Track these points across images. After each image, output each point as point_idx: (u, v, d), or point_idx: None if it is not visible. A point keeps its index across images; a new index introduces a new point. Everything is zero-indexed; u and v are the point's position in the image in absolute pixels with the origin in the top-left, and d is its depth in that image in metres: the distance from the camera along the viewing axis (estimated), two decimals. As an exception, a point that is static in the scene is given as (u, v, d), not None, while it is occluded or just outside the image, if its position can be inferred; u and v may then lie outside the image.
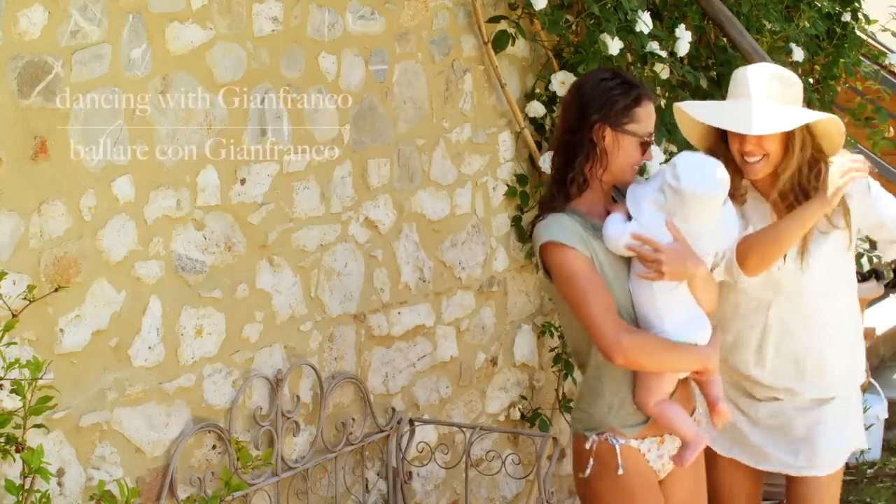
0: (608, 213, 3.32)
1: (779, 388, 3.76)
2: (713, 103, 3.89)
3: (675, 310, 3.23)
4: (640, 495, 3.27)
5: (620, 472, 3.24)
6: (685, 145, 4.13)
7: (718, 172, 3.24)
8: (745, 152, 3.58)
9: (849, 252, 3.75)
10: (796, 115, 3.57)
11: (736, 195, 3.57)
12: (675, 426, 3.26)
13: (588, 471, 3.28)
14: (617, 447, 3.25)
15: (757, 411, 3.80)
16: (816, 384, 3.76)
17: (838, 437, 3.76)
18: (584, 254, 3.20)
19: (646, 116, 3.29)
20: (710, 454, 3.75)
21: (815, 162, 3.60)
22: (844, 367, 3.80)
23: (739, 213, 3.56)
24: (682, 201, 3.21)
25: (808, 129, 3.59)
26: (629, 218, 3.25)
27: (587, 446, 3.29)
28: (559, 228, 3.22)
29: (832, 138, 3.60)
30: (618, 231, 3.22)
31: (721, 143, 3.66)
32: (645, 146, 3.29)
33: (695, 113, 3.68)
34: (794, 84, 3.64)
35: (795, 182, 3.61)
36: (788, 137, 3.57)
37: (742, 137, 3.57)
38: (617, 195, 3.39)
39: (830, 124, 3.58)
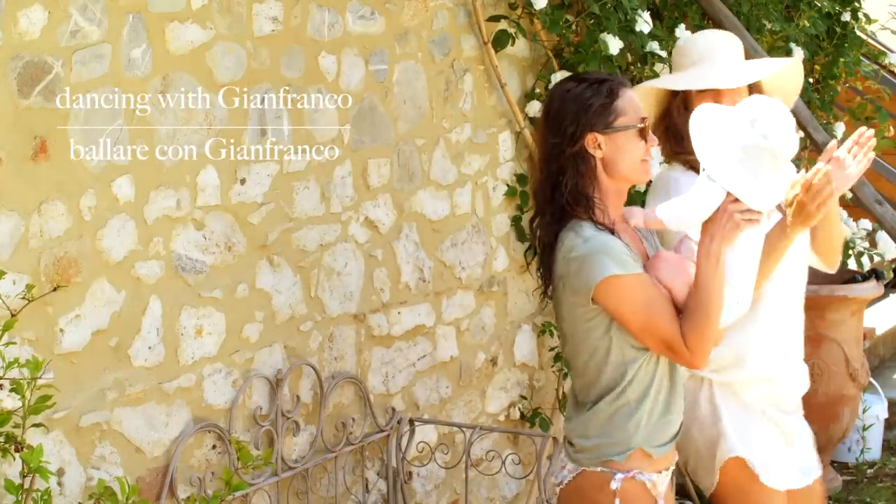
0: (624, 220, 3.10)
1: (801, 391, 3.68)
2: (675, 76, 3.81)
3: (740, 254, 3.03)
4: None
5: (661, 503, 3.03)
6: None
7: (793, 122, 3.01)
8: None
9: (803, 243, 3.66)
10: (769, 64, 3.66)
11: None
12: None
13: None
14: (647, 482, 3.02)
15: (790, 426, 3.65)
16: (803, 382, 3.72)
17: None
18: (638, 271, 2.97)
19: (629, 105, 3.01)
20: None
21: None
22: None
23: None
24: (774, 160, 2.95)
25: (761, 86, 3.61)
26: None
27: (612, 486, 3.00)
28: (608, 259, 2.93)
29: (786, 90, 3.68)
30: (702, 198, 2.96)
31: (680, 113, 3.57)
32: (643, 133, 3.02)
33: (672, 85, 3.61)
34: (739, 42, 3.74)
35: None
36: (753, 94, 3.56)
37: (716, 98, 3.50)
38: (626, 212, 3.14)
39: (790, 72, 3.68)
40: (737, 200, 2.96)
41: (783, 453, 3.59)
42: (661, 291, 2.99)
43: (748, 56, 5.06)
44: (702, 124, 3.02)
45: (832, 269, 3.73)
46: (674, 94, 3.64)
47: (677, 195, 3.14)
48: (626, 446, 3.02)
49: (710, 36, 3.78)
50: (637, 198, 4.57)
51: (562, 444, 3.19)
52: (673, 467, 3.15)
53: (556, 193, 3.03)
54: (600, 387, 3.05)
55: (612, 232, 3.01)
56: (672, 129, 3.61)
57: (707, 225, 2.99)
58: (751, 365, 3.56)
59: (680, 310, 2.99)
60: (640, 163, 3.05)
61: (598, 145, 3.02)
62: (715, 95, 3.53)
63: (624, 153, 3.03)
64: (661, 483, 3.08)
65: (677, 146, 3.59)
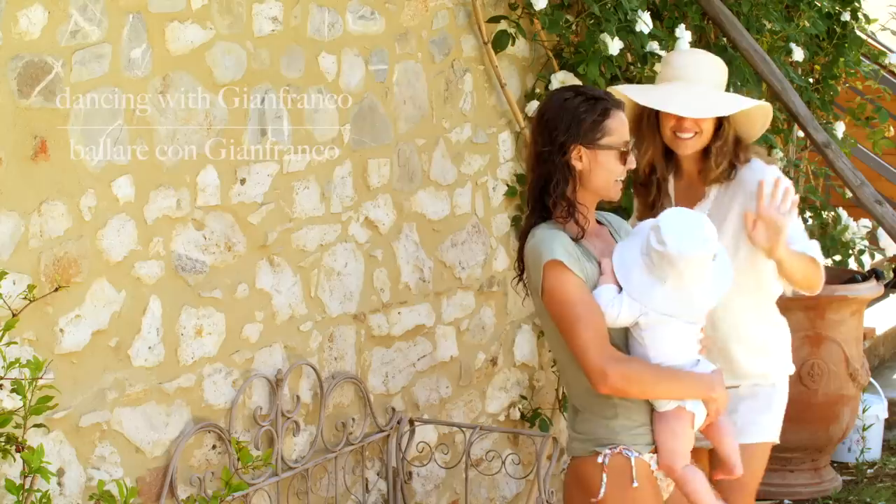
0: (598, 221, 3.30)
1: None
2: (650, 87, 3.98)
3: (664, 343, 3.16)
4: None
5: (635, 484, 3.13)
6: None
7: (705, 229, 3.15)
8: (682, 128, 3.72)
9: (759, 259, 3.73)
10: (735, 101, 3.80)
11: (662, 175, 3.80)
12: (698, 496, 3.17)
13: (603, 490, 3.12)
14: (632, 459, 3.14)
15: None
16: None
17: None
18: (580, 277, 3.13)
19: (617, 127, 3.20)
20: None
21: (737, 142, 3.79)
22: (752, 363, 3.82)
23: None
24: (671, 265, 3.11)
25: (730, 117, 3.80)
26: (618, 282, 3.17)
27: (599, 460, 3.15)
28: (560, 247, 3.14)
29: (754, 123, 3.82)
30: (613, 312, 3.12)
31: (649, 121, 3.77)
32: (624, 156, 3.22)
33: (639, 98, 3.75)
34: (723, 69, 3.87)
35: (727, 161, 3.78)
36: (719, 119, 3.75)
37: (679, 116, 3.72)
38: (600, 217, 3.35)
39: (759, 111, 3.81)
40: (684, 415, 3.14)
41: None
42: (598, 310, 3.12)
43: (748, 59, 5.09)
44: (623, 244, 3.24)
45: (813, 292, 3.81)
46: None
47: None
48: (611, 441, 3.17)
49: (692, 56, 3.96)
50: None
51: (563, 445, 3.27)
52: None
53: (544, 196, 3.22)
54: (577, 385, 3.23)
55: (582, 234, 3.19)
56: (638, 134, 3.79)
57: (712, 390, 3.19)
58: None
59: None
60: (614, 182, 3.23)
61: (580, 158, 3.19)
62: (677, 115, 3.73)
63: (602, 170, 3.21)
64: (655, 463, 3.20)
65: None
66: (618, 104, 3.24)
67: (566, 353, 3.19)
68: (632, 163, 3.24)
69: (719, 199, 3.80)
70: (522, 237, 3.28)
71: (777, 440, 3.91)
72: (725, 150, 3.75)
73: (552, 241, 3.14)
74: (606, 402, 3.17)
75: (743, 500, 3.78)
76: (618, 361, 3.10)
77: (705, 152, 3.77)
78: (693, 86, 3.78)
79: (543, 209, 3.22)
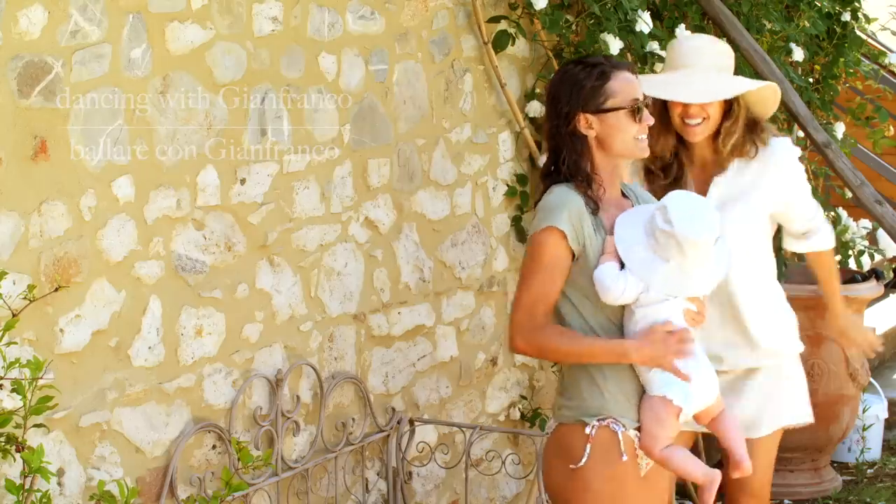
0: (623, 194, 3.28)
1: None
2: (656, 77, 4.01)
3: (658, 320, 3.18)
4: (634, 487, 3.18)
5: (624, 458, 3.14)
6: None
7: (711, 213, 3.18)
8: (688, 115, 3.76)
9: (759, 225, 3.83)
10: (737, 84, 3.83)
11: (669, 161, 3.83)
12: (685, 470, 3.19)
13: (584, 459, 3.14)
14: (619, 433, 3.14)
15: None
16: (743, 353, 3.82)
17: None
18: (566, 243, 3.12)
19: (622, 87, 3.16)
20: None
21: (754, 123, 3.83)
22: (769, 337, 3.85)
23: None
24: (678, 246, 3.12)
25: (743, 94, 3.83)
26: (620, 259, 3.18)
27: (586, 431, 3.15)
28: (566, 217, 3.11)
29: (766, 102, 3.87)
30: (618, 288, 3.12)
31: (658, 110, 3.72)
32: (635, 114, 3.17)
33: (645, 88, 3.71)
34: (727, 52, 3.91)
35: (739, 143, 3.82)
36: (728, 102, 3.79)
37: (685, 104, 3.76)
38: (626, 189, 3.32)
39: (767, 90, 3.86)
40: (672, 332, 3.13)
41: None
42: (555, 279, 3.13)
43: (748, 58, 5.10)
44: (625, 220, 3.21)
45: None
46: None
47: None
48: (599, 412, 3.16)
49: (695, 42, 4.00)
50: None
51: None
52: None
53: (555, 169, 3.22)
54: None
55: (597, 208, 3.17)
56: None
57: (644, 339, 3.14)
58: None
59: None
60: (634, 140, 3.20)
61: (590, 125, 3.18)
62: (683, 104, 3.76)
63: (616, 132, 3.19)
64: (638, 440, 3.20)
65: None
66: (618, 65, 3.21)
67: (568, 316, 3.19)
68: (648, 119, 3.21)
69: (740, 171, 3.82)
70: (541, 192, 3.25)
71: (809, 418, 3.98)
72: (734, 129, 3.77)
73: (562, 209, 3.12)
74: (599, 372, 3.17)
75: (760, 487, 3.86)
76: (534, 330, 3.12)
77: (716, 137, 3.80)
78: (696, 72, 3.80)
79: (554, 182, 3.21)
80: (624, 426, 3.17)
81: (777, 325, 3.90)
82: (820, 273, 4.06)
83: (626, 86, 3.18)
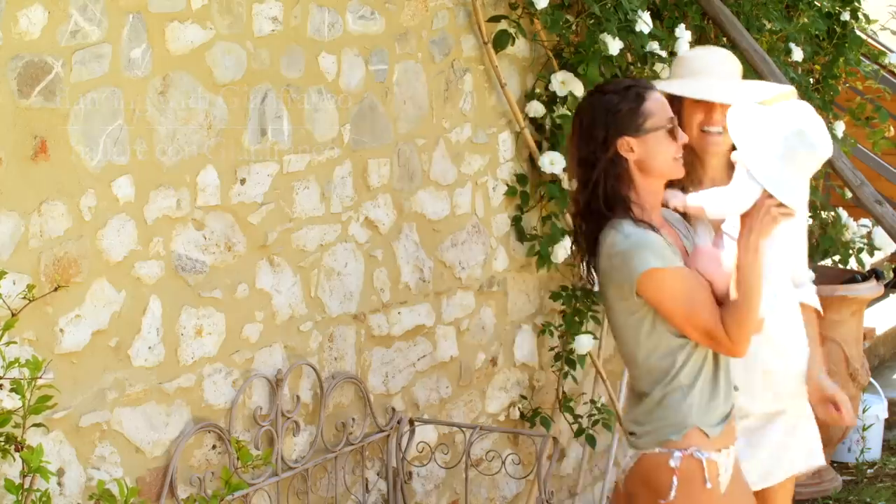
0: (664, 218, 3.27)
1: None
2: (673, 81, 3.86)
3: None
4: None
5: (709, 485, 3.13)
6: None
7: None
8: (712, 122, 3.60)
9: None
10: (767, 87, 3.75)
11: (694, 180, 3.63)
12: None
13: (672, 493, 3.12)
14: (703, 461, 3.13)
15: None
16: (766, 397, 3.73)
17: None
18: (678, 265, 3.12)
19: (658, 107, 3.17)
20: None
21: None
22: (791, 383, 3.76)
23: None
24: (812, 165, 3.16)
25: None
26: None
27: (671, 464, 3.13)
28: (649, 251, 3.09)
29: None
30: (741, 193, 3.13)
31: None
32: (672, 133, 3.18)
33: (685, 91, 3.64)
34: (738, 62, 3.82)
35: None
36: None
37: (709, 109, 3.60)
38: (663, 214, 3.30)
39: (783, 98, 3.72)
40: (772, 196, 3.13)
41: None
42: (702, 283, 3.15)
43: (748, 58, 5.10)
44: (741, 122, 3.18)
45: None
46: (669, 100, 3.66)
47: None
48: (682, 426, 3.16)
49: (713, 52, 3.87)
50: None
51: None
52: (734, 446, 3.25)
53: (594, 198, 3.18)
54: (652, 376, 3.20)
55: (652, 228, 3.15)
56: None
57: (746, 219, 3.16)
58: None
59: (720, 301, 3.14)
60: (673, 160, 3.20)
61: (631, 148, 3.16)
62: (707, 108, 3.61)
63: (656, 153, 3.18)
64: (722, 462, 3.19)
65: None
66: (649, 86, 3.22)
67: (631, 339, 3.18)
68: (683, 137, 3.21)
69: None
70: (594, 227, 3.21)
71: (823, 461, 3.88)
72: None
73: (638, 247, 3.10)
74: (673, 382, 3.16)
75: None
76: (724, 323, 3.10)
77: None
78: (718, 78, 3.68)
79: (595, 212, 3.18)
80: (707, 447, 3.15)
81: (799, 368, 3.78)
82: (807, 330, 3.84)
83: (661, 105, 3.19)
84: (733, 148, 3.44)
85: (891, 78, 7.32)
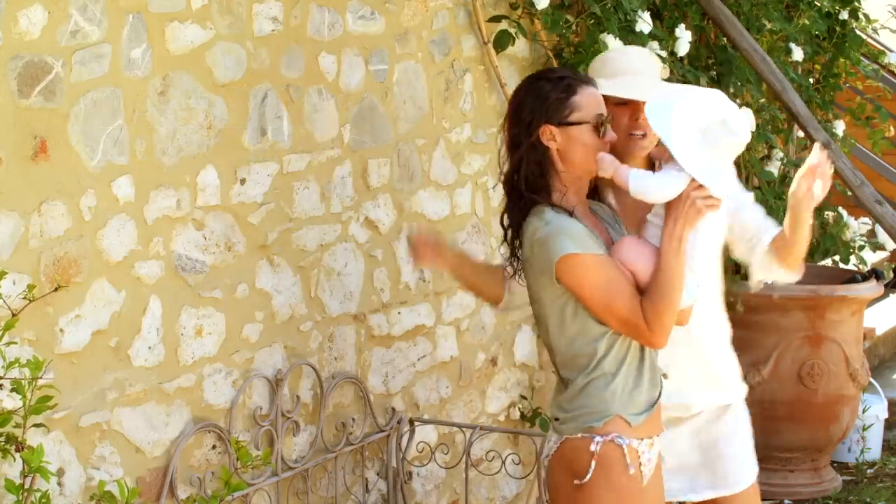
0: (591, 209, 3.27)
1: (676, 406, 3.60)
2: (609, 81, 3.75)
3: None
4: (640, 499, 3.19)
5: (632, 471, 3.13)
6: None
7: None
8: (638, 126, 3.45)
9: (710, 257, 3.61)
10: (690, 88, 3.71)
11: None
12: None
13: (589, 475, 3.14)
14: (624, 447, 3.14)
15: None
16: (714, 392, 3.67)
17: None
18: (599, 253, 3.12)
19: (587, 101, 3.14)
20: None
21: None
22: (730, 375, 3.70)
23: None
24: (734, 153, 3.20)
25: None
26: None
27: (591, 448, 3.15)
28: (567, 237, 3.10)
29: None
30: (669, 181, 3.14)
31: None
32: (598, 129, 3.15)
33: (605, 89, 3.46)
34: (659, 63, 3.78)
35: None
36: None
37: (635, 110, 3.45)
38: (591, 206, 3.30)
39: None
40: (700, 187, 3.15)
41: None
42: (623, 272, 3.15)
43: (748, 58, 5.09)
44: (660, 114, 3.17)
45: (797, 275, 3.65)
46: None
47: None
48: (604, 413, 3.16)
49: (635, 52, 3.78)
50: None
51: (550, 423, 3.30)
52: (658, 437, 3.24)
53: (517, 180, 3.20)
54: (576, 363, 3.20)
55: (572, 215, 3.16)
56: None
57: (671, 209, 3.18)
58: None
59: (643, 291, 3.15)
60: (594, 156, 3.19)
61: (553, 137, 3.16)
62: (633, 108, 3.45)
63: (577, 146, 3.17)
64: (644, 452, 3.19)
65: None
66: (585, 80, 3.20)
67: (554, 327, 3.18)
68: (611, 135, 3.19)
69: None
70: (510, 230, 3.24)
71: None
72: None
73: (557, 233, 3.10)
74: (597, 370, 3.16)
75: None
76: (645, 313, 3.11)
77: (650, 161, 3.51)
78: (645, 77, 3.56)
79: (518, 196, 3.19)
80: (628, 434, 3.15)
81: (734, 362, 3.73)
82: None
83: (592, 100, 3.17)
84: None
85: (891, 78, 7.32)
